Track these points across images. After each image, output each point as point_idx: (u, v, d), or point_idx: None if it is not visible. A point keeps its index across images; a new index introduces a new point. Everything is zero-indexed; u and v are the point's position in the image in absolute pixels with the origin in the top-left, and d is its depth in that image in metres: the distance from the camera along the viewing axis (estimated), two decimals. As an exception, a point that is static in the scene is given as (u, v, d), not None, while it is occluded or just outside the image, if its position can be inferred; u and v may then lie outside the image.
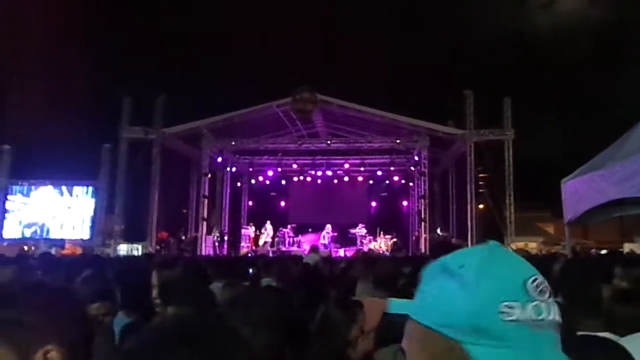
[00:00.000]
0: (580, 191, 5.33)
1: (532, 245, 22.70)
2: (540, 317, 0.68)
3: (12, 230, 21.12)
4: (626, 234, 27.54)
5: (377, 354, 2.41)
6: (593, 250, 19.33)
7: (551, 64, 27.84)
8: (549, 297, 0.70)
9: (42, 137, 24.05)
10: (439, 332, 0.69)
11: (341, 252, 20.03)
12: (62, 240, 20.80)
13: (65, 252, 19.14)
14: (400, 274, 4.16)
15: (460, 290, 0.70)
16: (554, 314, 0.69)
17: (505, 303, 0.67)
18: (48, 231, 21.07)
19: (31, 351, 0.97)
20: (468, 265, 0.71)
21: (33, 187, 21.47)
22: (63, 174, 21.58)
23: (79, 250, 19.38)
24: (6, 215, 21.24)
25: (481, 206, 21.01)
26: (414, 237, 21.30)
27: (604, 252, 16.01)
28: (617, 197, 4.44)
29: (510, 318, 0.67)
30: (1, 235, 21.04)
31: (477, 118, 19.31)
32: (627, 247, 22.70)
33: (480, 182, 20.07)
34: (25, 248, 19.18)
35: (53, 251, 18.31)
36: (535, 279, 0.70)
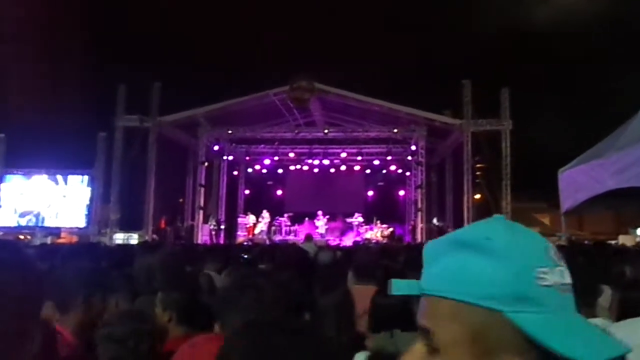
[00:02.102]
0: (578, 180, 5.30)
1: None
2: (565, 281, 0.71)
3: (7, 219, 21.04)
4: (622, 225, 27.66)
5: (369, 341, 2.39)
6: (586, 242, 19.40)
7: (549, 54, 27.79)
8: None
9: (37, 126, 23.90)
10: (477, 304, 0.70)
11: (337, 241, 20.04)
12: (58, 229, 20.75)
13: (61, 240, 19.11)
14: (380, 264, 4.16)
15: (491, 261, 0.70)
16: (569, 278, 0.73)
17: (540, 269, 0.70)
18: (43, 220, 21.01)
19: None
20: (495, 236, 0.72)
21: (28, 176, 21.37)
22: (58, 162, 21.48)
23: (75, 239, 19.35)
24: (1, 204, 21.16)
25: (478, 196, 21.02)
26: (410, 227, 21.33)
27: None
28: (616, 187, 4.42)
29: (545, 283, 0.69)
30: (-3, 224, 20.96)
31: (474, 108, 19.25)
32: (621, 239, 22.79)
33: (478, 172, 20.08)
34: (21, 237, 19.14)
35: (49, 240, 18.33)
36: (551, 246, 0.74)
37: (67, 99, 24.96)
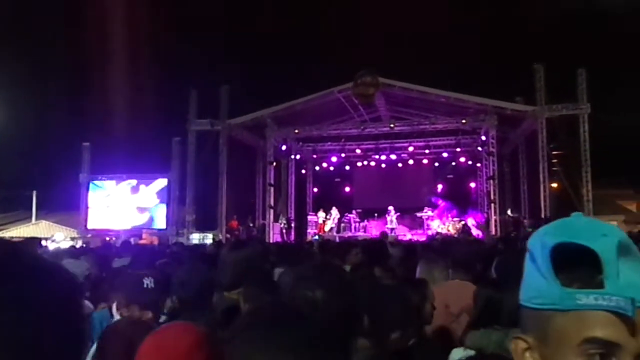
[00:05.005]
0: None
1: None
2: None
3: (95, 222, 22.53)
4: None
5: (468, 337, 2.34)
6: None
7: (628, 29, 25.90)
8: None
9: (118, 134, 25.41)
10: None
11: (408, 236, 19.80)
12: (140, 230, 21.93)
13: (142, 241, 20.18)
14: (477, 257, 4.06)
15: None
16: None
17: None
18: (126, 222, 22.27)
19: None
20: None
21: (111, 181, 22.77)
22: (138, 167, 22.74)
23: (155, 240, 20.35)
24: (89, 208, 22.68)
25: (555, 185, 20.05)
26: (483, 220, 20.69)
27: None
28: None
29: None
30: (86, 227, 22.50)
31: (548, 93, 18.36)
32: None
33: (554, 160, 19.15)
34: (107, 238, 20.41)
35: (132, 241, 19.41)
36: None
37: (143, 108, 26.33)
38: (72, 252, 6.76)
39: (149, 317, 2.44)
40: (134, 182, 22.53)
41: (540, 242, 0.71)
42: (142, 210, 22.33)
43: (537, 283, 0.70)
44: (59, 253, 6.14)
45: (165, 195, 22.10)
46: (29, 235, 21.56)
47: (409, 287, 2.48)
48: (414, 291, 2.40)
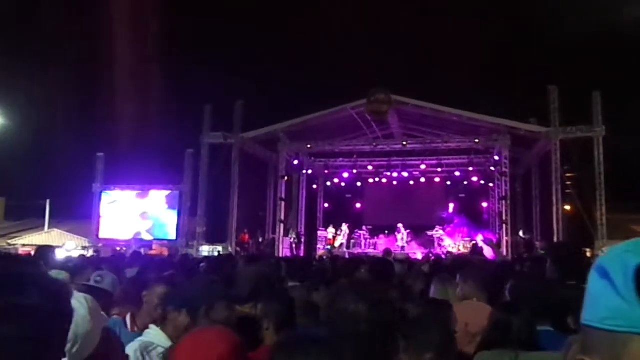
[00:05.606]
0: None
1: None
2: None
3: (106, 232, 22.65)
4: None
5: (478, 356, 2.32)
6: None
7: (645, 53, 25.80)
8: None
9: (132, 145, 25.67)
10: None
11: (419, 255, 19.65)
12: (150, 241, 22.02)
13: (152, 252, 20.24)
14: (493, 278, 4.04)
15: None
16: None
17: None
18: (138, 233, 22.37)
19: None
20: None
21: (123, 192, 22.92)
22: (151, 178, 22.89)
23: (165, 251, 20.38)
24: (101, 218, 22.83)
25: (568, 207, 19.85)
26: (494, 239, 20.50)
27: None
28: None
29: None
30: (97, 237, 22.63)
31: (562, 115, 18.28)
32: None
33: (567, 182, 18.98)
34: (118, 248, 20.50)
35: (142, 251, 19.48)
36: None
37: (158, 120, 26.62)
38: (93, 262, 6.83)
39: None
40: (146, 192, 22.68)
41: (621, 261, 0.67)
42: (144, 216, 22.41)
43: (612, 303, 0.66)
44: (82, 264, 6.19)
45: (175, 204, 22.18)
46: (41, 243, 21.72)
47: (437, 308, 2.47)
48: (441, 313, 2.38)
